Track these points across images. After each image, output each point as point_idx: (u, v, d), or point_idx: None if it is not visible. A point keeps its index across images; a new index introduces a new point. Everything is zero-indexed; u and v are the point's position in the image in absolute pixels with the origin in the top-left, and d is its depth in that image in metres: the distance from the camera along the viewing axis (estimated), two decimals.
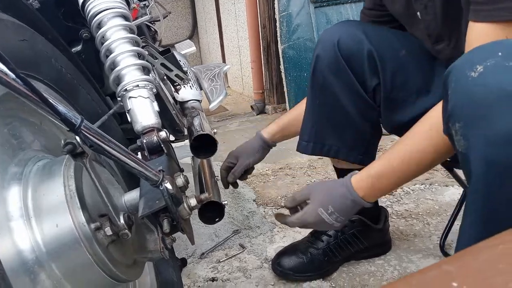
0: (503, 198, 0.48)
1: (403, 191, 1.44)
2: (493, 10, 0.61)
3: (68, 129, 0.43)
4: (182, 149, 1.95)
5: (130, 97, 0.66)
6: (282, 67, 2.37)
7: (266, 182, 1.65)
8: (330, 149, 0.96)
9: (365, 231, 1.06)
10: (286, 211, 0.86)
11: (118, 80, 0.68)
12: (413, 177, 0.72)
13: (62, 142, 0.45)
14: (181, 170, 0.71)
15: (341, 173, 1.07)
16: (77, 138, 0.44)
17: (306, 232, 1.17)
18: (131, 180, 0.77)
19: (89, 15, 0.71)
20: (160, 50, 1.03)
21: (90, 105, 0.75)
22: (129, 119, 0.67)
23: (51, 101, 0.40)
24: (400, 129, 0.94)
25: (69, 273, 0.49)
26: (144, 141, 0.63)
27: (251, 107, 2.84)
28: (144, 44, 0.91)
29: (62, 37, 0.72)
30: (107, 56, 0.69)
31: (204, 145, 0.85)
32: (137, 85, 0.67)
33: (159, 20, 1.42)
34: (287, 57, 2.32)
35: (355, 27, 0.89)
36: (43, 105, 0.39)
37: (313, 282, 1.03)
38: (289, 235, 1.25)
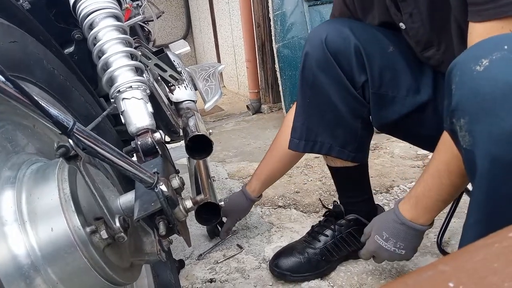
0: (508, 196, 0.47)
1: (400, 189, 1.45)
2: (494, 8, 0.61)
3: (60, 132, 0.43)
4: (178, 150, 1.95)
5: (123, 98, 0.65)
6: (277, 66, 2.36)
7: None
8: (323, 147, 0.96)
9: (362, 230, 1.06)
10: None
11: (111, 81, 0.67)
12: (454, 188, 0.70)
13: (55, 145, 0.45)
14: (177, 172, 0.71)
15: (335, 171, 1.07)
16: (70, 141, 0.43)
17: (303, 232, 1.17)
18: (126, 182, 0.76)
19: (81, 15, 0.71)
20: (154, 50, 1.02)
21: (84, 107, 0.74)
22: (123, 121, 0.66)
23: (42, 103, 0.39)
24: (390, 127, 0.94)
25: (65, 277, 0.49)
26: (139, 142, 0.63)
27: (247, 106, 2.83)
28: (137, 44, 0.90)
29: (54, 38, 0.71)
30: (100, 57, 0.69)
31: (199, 146, 0.85)
32: (130, 86, 0.66)
33: (152, 20, 1.41)
34: (282, 56, 2.32)
35: (342, 24, 0.90)
36: (34, 108, 0.39)
37: (311, 282, 1.03)
38: (286, 235, 1.25)
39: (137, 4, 1.20)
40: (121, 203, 0.57)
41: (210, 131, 0.92)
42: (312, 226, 1.11)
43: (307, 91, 0.94)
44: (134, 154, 0.66)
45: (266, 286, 1.03)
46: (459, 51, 0.71)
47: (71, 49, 0.84)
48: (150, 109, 0.67)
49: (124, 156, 0.49)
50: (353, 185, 1.07)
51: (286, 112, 2.33)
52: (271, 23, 2.33)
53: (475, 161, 0.48)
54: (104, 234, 0.51)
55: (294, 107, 1.02)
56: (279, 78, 2.39)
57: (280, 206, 1.44)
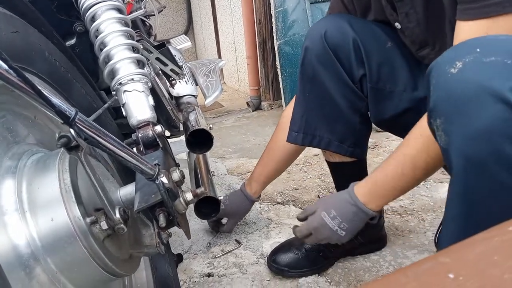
0: (482, 193, 0.49)
1: None
2: (481, 7, 0.62)
3: (62, 121, 0.43)
4: (178, 145, 1.95)
5: (125, 90, 0.65)
6: (278, 63, 2.36)
7: None
8: (321, 140, 0.96)
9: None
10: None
11: (113, 73, 0.67)
12: (415, 181, 0.72)
13: (57, 135, 0.45)
14: (177, 165, 0.71)
15: (333, 167, 1.08)
16: (72, 131, 0.43)
17: None
18: (126, 174, 0.76)
19: (83, 8, 0.71)
20: (155, 44, 1.02)
21: (85, 100, 0.74)
22: (124, 113, 0.66)
23: (45, 93, 0.39)
24: (387, 123, 0.94)
25: (64, 267, 0.49)
26: (140, 135, 0.63)
27: (247, 103, 2.83)
28: (138, 38, 0.90)
29: (56, 30, 0.71)
30: (101, 50, 0.69)
31: (200, 141, 0.85)
32: (132, 79, 0.66)
33: (153, 15, 1.41)
34: (283, 53, 2.32)
35: (341, 18, 0.91)
36: (37, 97, 0.38)
37: (309, 277, 1.03)
38: (284, 231, 1.25)
39: None
40: (121, 195, 0.57)
41: (211, 125, 0.92)
42: None
43: (307, 85, 0.94)
44: (135, 147, 0.66)
45: (263, 281, 1.04)
46: None
47: (72, 41, 0.84)
48: (152, 102, 0.67)
49: (125, 147, 0.49)
50: (351, 181, 1.07)
51: None
52: (273, 20, 2.33)
53: (451, 159, 0.51)
54: (104, 225, 0.51)
55: (288, 108, 1.03)
56: (279, 75, 2.39)
57: (278, 203, 1.44)
